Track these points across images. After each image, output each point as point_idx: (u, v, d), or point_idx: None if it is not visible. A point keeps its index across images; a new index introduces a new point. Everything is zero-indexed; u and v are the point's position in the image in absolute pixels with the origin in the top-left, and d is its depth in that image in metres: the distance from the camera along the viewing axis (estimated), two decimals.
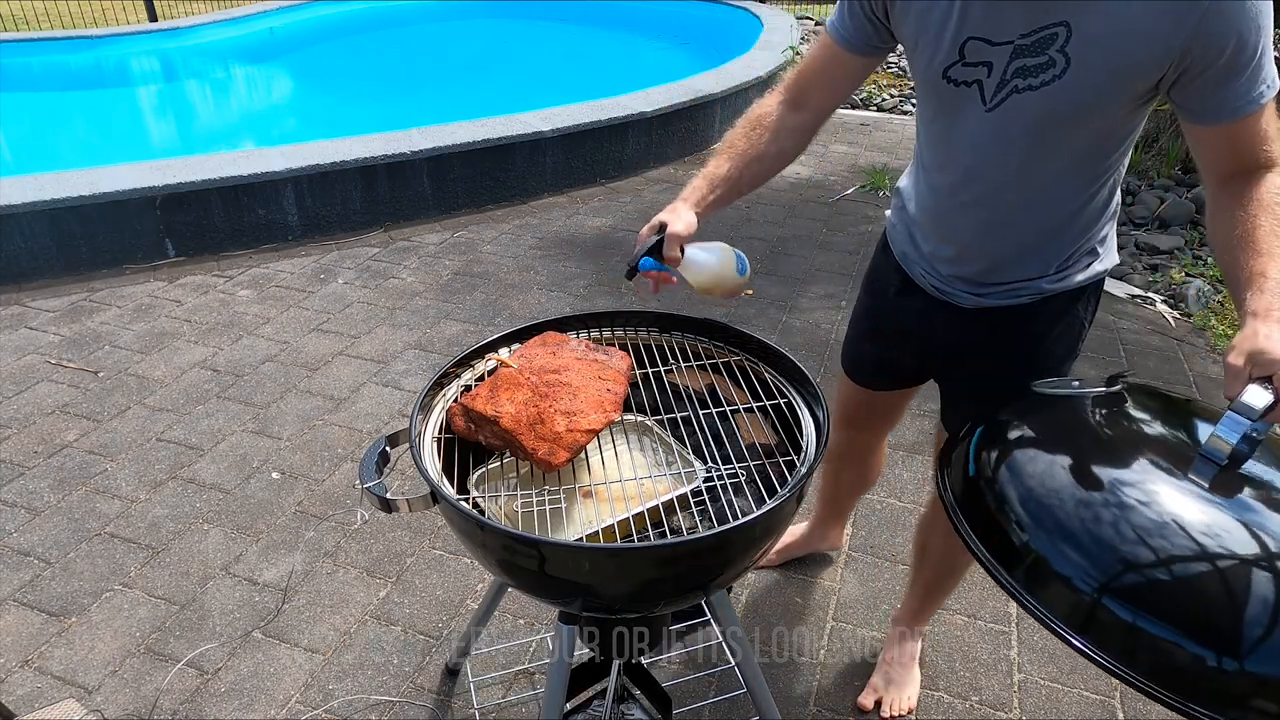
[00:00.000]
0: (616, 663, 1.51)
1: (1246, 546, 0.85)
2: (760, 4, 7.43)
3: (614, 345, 1.43)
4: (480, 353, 1.38)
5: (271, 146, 3.83)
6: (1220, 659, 0.80)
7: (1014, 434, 1.09)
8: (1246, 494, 0.90)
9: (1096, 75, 1.07)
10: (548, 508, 1.17)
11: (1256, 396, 0.91)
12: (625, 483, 1.24)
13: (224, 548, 2.12)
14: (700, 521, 1.18)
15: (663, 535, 1.22)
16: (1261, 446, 0.93)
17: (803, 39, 6.22)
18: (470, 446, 1.27)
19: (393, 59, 7.61)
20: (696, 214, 1.25)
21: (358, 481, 2.19)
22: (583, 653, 1.45)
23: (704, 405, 1.34)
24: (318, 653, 1.85)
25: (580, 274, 3.49)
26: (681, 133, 4.69)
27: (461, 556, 2.10)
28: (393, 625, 1.92)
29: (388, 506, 1.15)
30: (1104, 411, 1.09)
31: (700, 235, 1.25)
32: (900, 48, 1.25)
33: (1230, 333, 3.13)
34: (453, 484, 1.19)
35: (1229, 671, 0.80)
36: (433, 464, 1.18)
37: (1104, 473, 0.95)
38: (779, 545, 2.08)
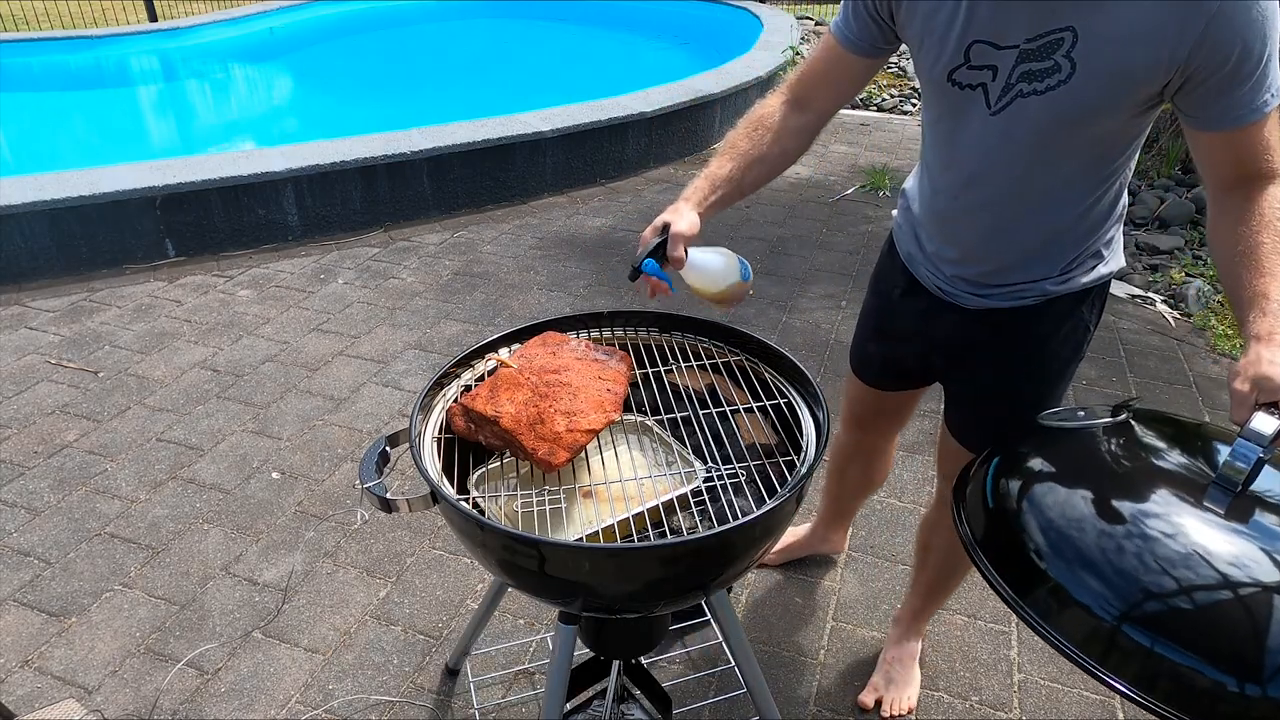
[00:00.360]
0: (616, 663, 1.52)
1: (1267, 572, 0.85)
2: (760, 4, 7.43)
3: (614, 345, 1.43)
4: (480, 353, 1.38)
5: (271, 146, 3.83)
6: (1242, 684, 0.80)
7: (1029, 467, 1.09)
8: (1263, 519, 0.91)
9: (1101, 80, 1.06)
10: (548, 508, 1.17)
11: (1265, 423, 0.92)
12: (625, 483, 1.24)
13: (224, 548, 2.12)
14: (700, 521, 1.18)
15: (663, 535, 1.22)
16: (1272, 470, 0.94)
17: (803, 39, 6.22)
18: (470, 446, 1.27)
19: (393, 59, 7.61)
20: (699, 214, 1.25)
21: (358, 481, 2.19)
22: (583, 653, 1.45)
23: (704, 405, 1.34)
24: (318, 653, 1.85)
25: (580, 274, 3.49)
26: (681, 133, 4.69)
27: (461, 556, 2.10)
28: (393, 625, 1.92)
29: (388, 506, 1.15)
30: (1114, 441, 1.10)
31: (700, 237, 1.25)
32: (903, 47, 1.25)
33: (1230, 333, 3.13)
34: (453, 484, 1.19)
35: (1251, 697, 0.79)
36: (433, 464, 1.18)
37: (1121, 503, 0.96)
38: (780, 546, 2.08)
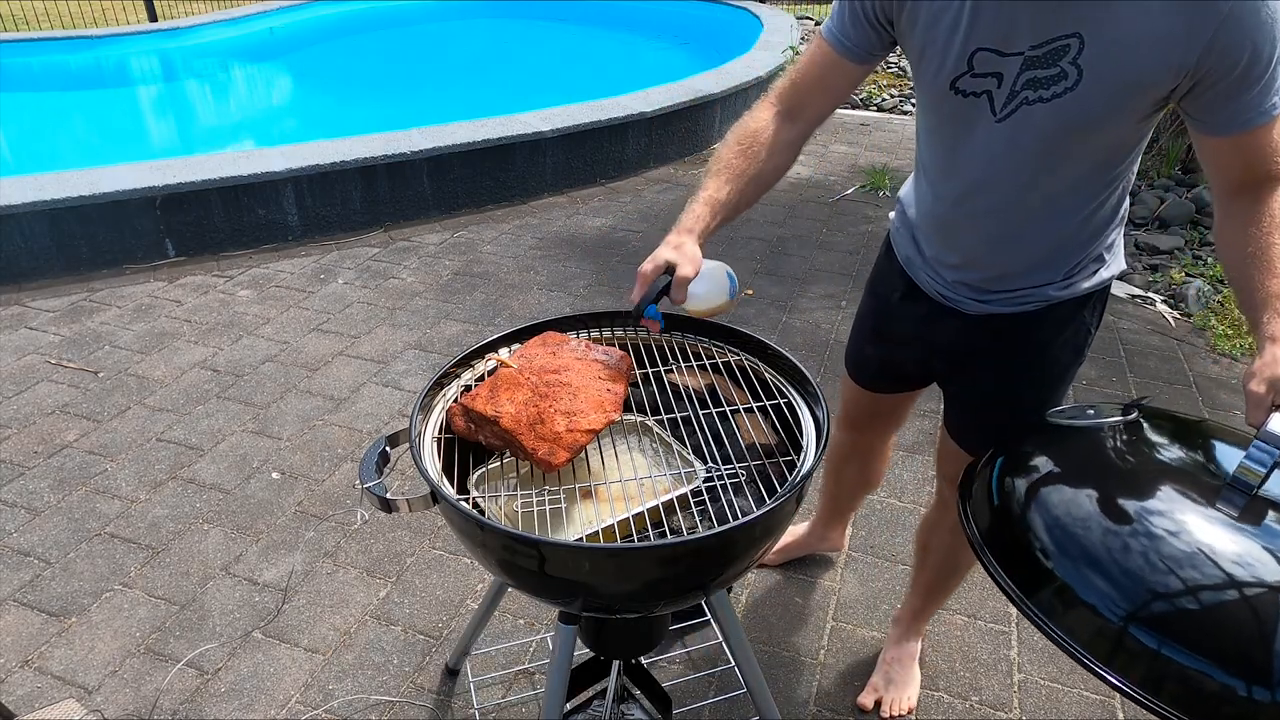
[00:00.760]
0: (616, 663, 1.51)
1: (1279, 575, 0.84)
2: (760, 4, 7.43)
3: (614, 345, 1.43)
4: (480, 353, 1.38)
5: (271, 146, 3.83)
6: (1251, 689, 0.79)
7: (1036, 465, 1.08)
8: (1278, 523, 0.90)
9: (1109, 87, 1.05)
10: (548, 508, 1.17)
11: None
12: (625, 483, 1.24)
13: (224, 548, 2.12)
14: (700, 521, 1.18)
15: (663, 535, 1.22)
16: None
17: (803, 39, 6.22)
18: (470, 446, 1.27)
19: (393, 59, 7.61)
20: (700, 245, 1.20)
21: (358, 481, 2.19)
22: (583, 653, 1.45)
23: (704, 405, 1.34)
24: (318, 653, 1.85)
25: (580, 274, 3.49)
26: (681, 133, 4.69)
27: (461, 556, 2.10)
28: (393, 625, 1.92)
29: (388, 506, 1.15)
30: (1123, 440, 1.08)
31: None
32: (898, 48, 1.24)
33: (1230, 333, 3.13)
34: (453, 484, 1.19)
35: (1260, 702, 0.78)
36: (433, 464, 1.18)
37: (1131, 503, 0.95)
38: (779, 546, 2.07)
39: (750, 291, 3.37)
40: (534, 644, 1.88)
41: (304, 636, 1.89)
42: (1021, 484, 1.05)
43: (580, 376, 1.24)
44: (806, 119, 1.29)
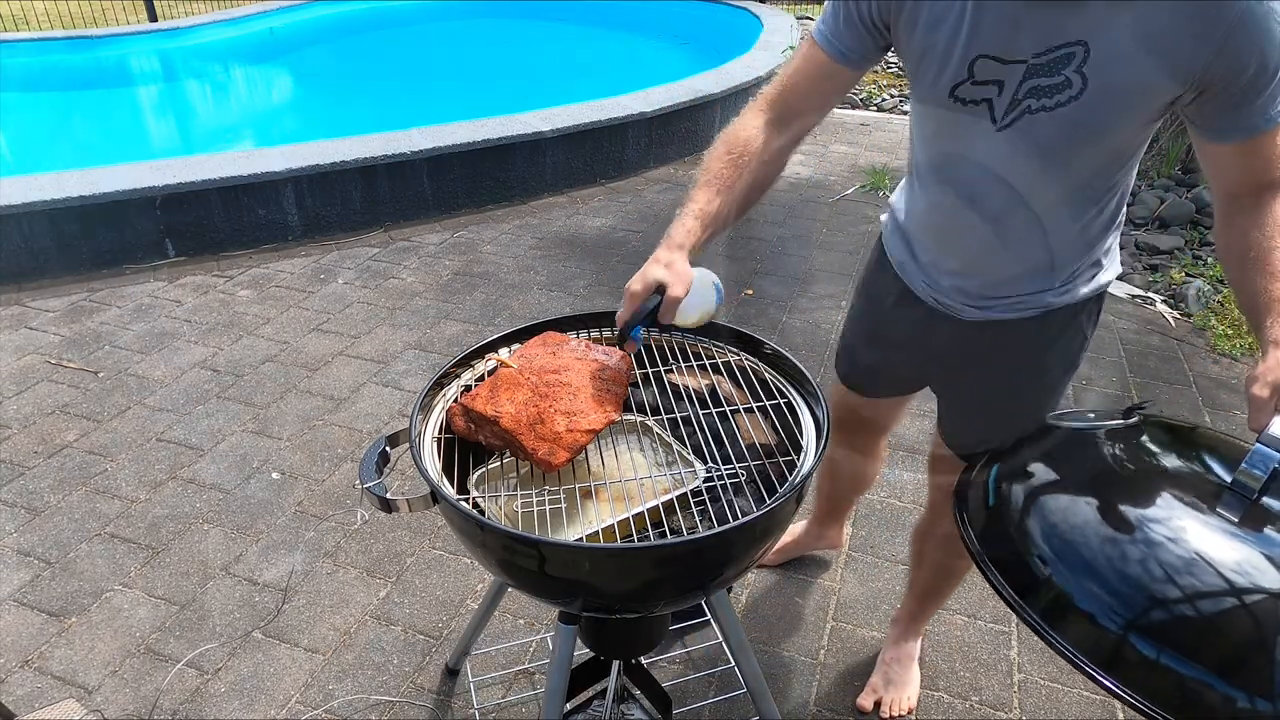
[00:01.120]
0: (616, 663, 1.51)
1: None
2: (760, 4, 7.43)
3: (614, 345, 1.43)
4: (480, 353, 1.38)
5: (271, 146, 3.83)
6: (1253, 700, 0.78)
7: (1033, 470, 1.06)
8: (1278, 529, 0.88)
9: (1114, 96, 1.03)
10: (548, 508, 1.17)
11: None
12: (625, 483, 1.24)
13: (224, 548, 2.12)
14: (700, 521, 1.18)
15: (663, 535, 1.22)
16: None
17: (802, 39, 6.22)
18: (470, 446, 1.27)
19: (393, 59, 7.60)
20: (689, 260, 1.17)
21: (358, 481, 2.19)
22: (583, 653, 1.45)
23: (704, 405, 1.34)
24: (318, 653, 1.85)
25: (580, 274, 3.49)
26: (681, 133, 4.69)
27: (461, 556, 2.10)
28: (393, 625, 1.92)
29: (388, 506, 1.15)
30: (1124, 444, 1.07)
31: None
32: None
33: (1230, 333, 3.13)
34: (453, 484, 1.19)
35: (1262, 713, 0.77)
36: (433, 464, 1.18)
37: (1131, 509, 0.93)
38: (778, 545, 2.07)
39: (750, 291, 3.37)
40: (534, 644, 1.88)
41: (304, 636, 1.89)
42: (1018, 489, 1.03)
43: (580, 376, 1.24)
44: (797, 125, 1.26)
